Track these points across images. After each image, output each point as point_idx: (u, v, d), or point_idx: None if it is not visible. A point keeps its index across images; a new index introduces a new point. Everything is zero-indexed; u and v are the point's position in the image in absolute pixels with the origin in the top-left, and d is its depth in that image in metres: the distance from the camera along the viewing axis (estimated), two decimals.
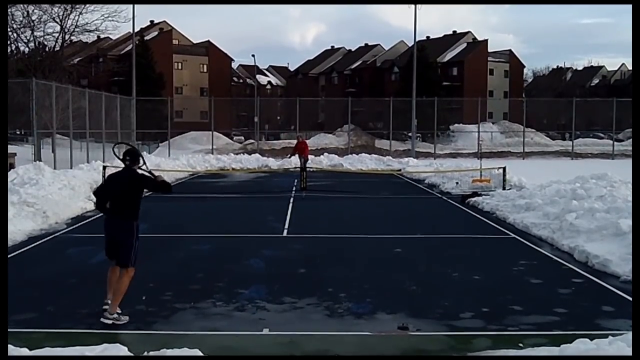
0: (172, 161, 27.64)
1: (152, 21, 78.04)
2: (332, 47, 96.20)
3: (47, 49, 43.49)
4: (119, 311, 6.38)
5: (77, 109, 25.27)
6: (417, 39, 42.40)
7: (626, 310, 6.60)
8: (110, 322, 6.27)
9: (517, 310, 6.86)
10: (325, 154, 33.23)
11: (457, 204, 16.18)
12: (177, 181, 22.84)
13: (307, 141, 41.89)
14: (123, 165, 6.65)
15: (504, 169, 18.25)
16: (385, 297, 7.36)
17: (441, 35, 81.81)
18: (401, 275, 8.55)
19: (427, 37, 78.76)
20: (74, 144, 24.69)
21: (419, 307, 6.95)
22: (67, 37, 42.54)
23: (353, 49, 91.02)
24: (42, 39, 42.79)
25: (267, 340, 6.01)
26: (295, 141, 29.64)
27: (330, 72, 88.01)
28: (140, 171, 6.72)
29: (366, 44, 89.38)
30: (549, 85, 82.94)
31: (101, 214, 14.34)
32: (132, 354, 4.95)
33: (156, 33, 73.64)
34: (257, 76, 78.62)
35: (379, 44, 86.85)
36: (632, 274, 7.65)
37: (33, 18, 40.54)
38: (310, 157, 30.17)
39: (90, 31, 43.01)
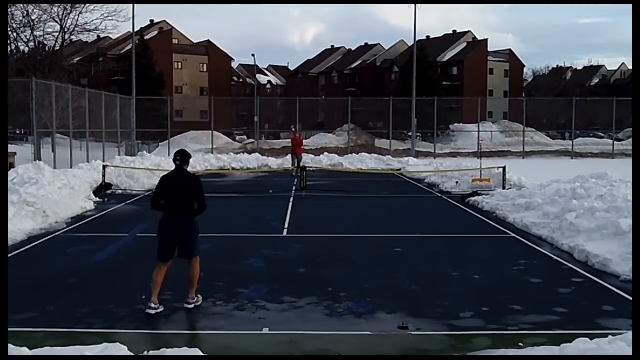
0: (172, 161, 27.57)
1: (152, 21, 78.14)
2: (332, 46, 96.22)
3: (47, 49, 43.57)
4: (193, 297, 6.93)
5: (77, 108, 25.26)
6: (417, 39, 42.40)
7: (626, 310, 6.61)
8: (192, 306, 6.82)
9: (517, 309, 6.86)
10: (326, 153, 33.20)
11: (457, 204, 16.17)
12: None
13: (307, 141, 41.99)
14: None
15: (504, 168, 18.23)
16: (385, 297, 7.36)
17: (441, 35, 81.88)
18: (401, 274, 8.55)
19: (427, 36, 78.87)
20: (74, 144, 24.67)
21: (419, 307, 6.95)
22: (67, 36, 42.67)
23: (353, 49, 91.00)
24: (42, 38, 42.96)
25: (267, 339, 6.02)
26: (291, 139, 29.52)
27: (330, 72, 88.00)
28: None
29: (366, 44, 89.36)
30: (549, 85, 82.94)
31: (101, 214, 14.29)
32: (132, 354, 4.95)
33: (156, 32, 73.63)
34: (257, 76, 78.56)
35: (379, 44, 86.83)
36: (632, 273, 7.66)
37: (33, 18, 40.72)
38: (310, 156, 30.24)
39: (90, 31, 43.18)
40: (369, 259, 9.58)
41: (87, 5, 41.19)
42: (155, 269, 6.82)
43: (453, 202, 16.62)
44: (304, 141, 29.96)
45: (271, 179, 23.78)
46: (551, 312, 6.77)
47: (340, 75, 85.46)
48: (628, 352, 4.67)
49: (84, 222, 13.05)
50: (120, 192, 18.14)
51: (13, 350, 4.75)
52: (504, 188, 17.25)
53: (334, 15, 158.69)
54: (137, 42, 47.65)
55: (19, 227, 11.03)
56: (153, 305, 6.61)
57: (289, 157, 28.05)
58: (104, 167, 18.64)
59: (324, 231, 12.32)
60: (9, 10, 36.58)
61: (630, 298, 7.04)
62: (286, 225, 12.70)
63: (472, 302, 7.10)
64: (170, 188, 6.89)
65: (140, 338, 5.92)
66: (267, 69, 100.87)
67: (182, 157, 7.00)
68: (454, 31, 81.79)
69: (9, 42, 39.87)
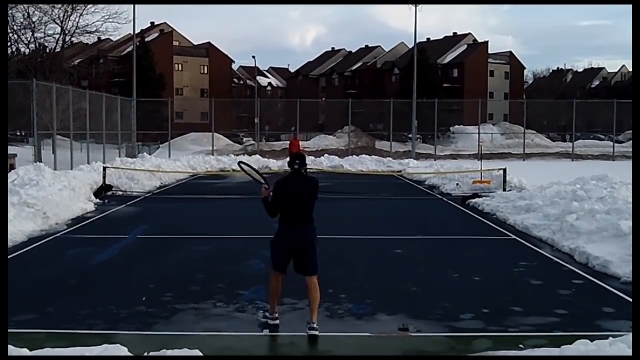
0: (173, 162, 27.64)
1: (152, 22, 78.16)
2: (333, 48, 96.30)
3: (47, 50, 43.54)
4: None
5: (78, 110, 25.28)
6: (417, 41, 42.39)
7: (626, 312, 6.59)
8: (317, 332, 6.01)
9: (517, 311, 6.86)
10: (326, 155, 33.20)
11: (457, 205, 16.17)
12: (177, 182, 22.88)
13: (307, 142, 42.00)
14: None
15: (504, 170, 18.23)
16: (386, 298, 7.36)
17: (441, 37, 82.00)
18: (401, 276, 8.55)
19: (427, 38, 78.81)
20: (75, 145, 24.70)
21: (419, 308, 6.95)
22: (67, 38, 42.58)
23: (353, 51, 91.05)
24: (42, 40, 42.88)
25: (267, 341, 6.01)
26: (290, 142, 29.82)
27: (331, 74, 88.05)
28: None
29: (366, 46, 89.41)
30: (550, 87, 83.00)
31: (101, 216, 14.27)
32: (132, 355, 4.95)
33: (157, 34, 73.71)
34: (258, 77, 78.66)
35: (379, 46, 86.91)
36: (632, 275, 7.65)
37: (33, 19, 40.65)
38: (310, 158, 30.27)
39: (90, 32, 43.07)
40: (369, 261, 9.58)
41: (88, 6, 41.18)
42: (273, 278, 6.42)
43: (453, 203, 16.61)
44: (303, 143, 30.10)
45: (272, 181, 23.78)
46: (551, 313, 6.76)
47: (341, 77, 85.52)
48: (628, 353, 4.67)
49: (84, 223, 13.04)
50: (121, 193, 18.14)
51: (13, 350, 4.75)
52: (504, 190, 17.25)
53: (334, 17, 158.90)
54: (137, 43, 47.68)
55: (19, 229, 11.03)
56: (276, 315, 6.38)
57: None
58: (104, 168, 18.65)
59: (324, 232, 12.17)
60: (10, 11, 36.59)
61: (631, 299, 7.03)
62: None
63: (473, 304, 7.10)
64: (292, 194, 6.58)
65: (141, 339, 5.92)
66: (267, 71, 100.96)
67: (302, 161, 6.69)
68: (454, 33, 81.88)
69: (9, 43, 39.88)
